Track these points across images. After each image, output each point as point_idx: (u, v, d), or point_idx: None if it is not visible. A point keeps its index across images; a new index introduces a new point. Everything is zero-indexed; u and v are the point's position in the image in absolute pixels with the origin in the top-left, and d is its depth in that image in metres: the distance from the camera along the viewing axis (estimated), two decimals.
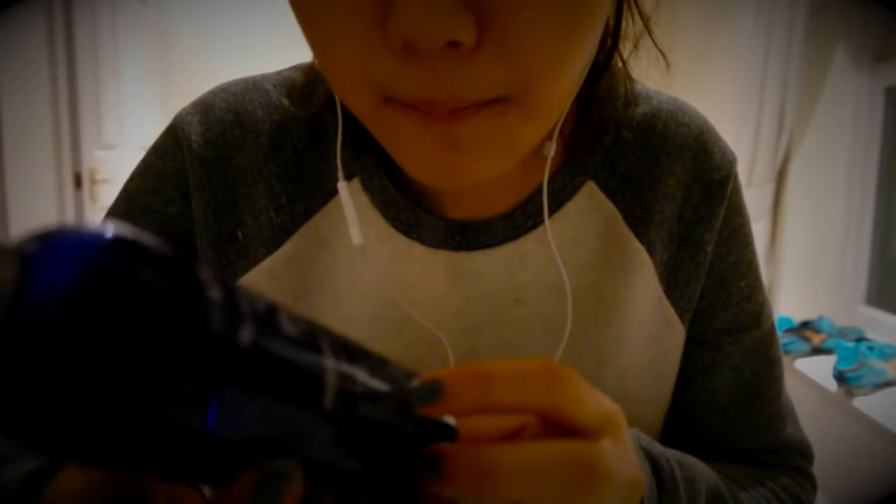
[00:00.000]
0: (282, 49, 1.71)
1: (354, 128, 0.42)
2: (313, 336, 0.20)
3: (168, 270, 0.16)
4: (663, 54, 0.43)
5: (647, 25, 0.40)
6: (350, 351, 0.22)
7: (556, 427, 0.25)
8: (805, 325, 1.99)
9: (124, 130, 2.68)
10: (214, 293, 0.17)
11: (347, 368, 0.21)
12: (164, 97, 3.08)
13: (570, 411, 0.24)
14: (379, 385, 0.22)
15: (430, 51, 0.26)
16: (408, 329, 0.43)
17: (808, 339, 1.95)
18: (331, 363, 0.20)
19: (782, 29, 2.11)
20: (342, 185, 0.41)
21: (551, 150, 0.40)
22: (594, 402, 0.26)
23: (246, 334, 0.17)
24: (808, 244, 2.22)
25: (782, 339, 1.96)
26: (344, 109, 0.41)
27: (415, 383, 0.23)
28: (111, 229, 0.15)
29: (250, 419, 0.17)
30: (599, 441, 0.25)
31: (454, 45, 0.26)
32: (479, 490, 0.22)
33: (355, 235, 0.41)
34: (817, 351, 1.94)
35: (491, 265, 0.43)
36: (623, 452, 0.26)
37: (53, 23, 2.15)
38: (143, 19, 2.85)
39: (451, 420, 0.26)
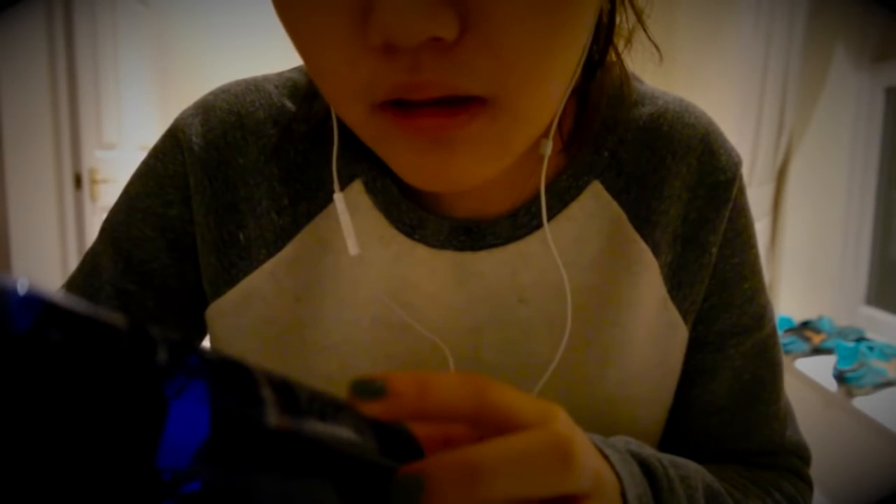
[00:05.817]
0: (282, 49, 1.71)
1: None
2: (245, 374, 0.19)
3: (80, 328, 0.15)
4: (657, 46, 0.43)
5: (640, 19, 0.40)
6: (283, 385, 0.21)
7: (493, 431, 0.24)
8: (805, 325, 1.99)
9: (124, 130, 2.68)
10: (131, 347, 0.16)
11: (285, 394, 0.20)
12: (164, 97, 3.08)
13: (507, 405, 0.24)
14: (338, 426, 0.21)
15: (411, 47, 0.26)
16: (411, 331, 0.42)
17: (808, 339, 1.95)
18: (266, 392, 0.19)
19: (782, 29, 2.11)
20: (338, 197, 0.41)
21: (548, 147, 0.40)
22: (528, 399, 0.25)
23: (173, 384, 0.17)
24: (808, 244, 2.22)
25: (782, 338, 1.96)
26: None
27: (358, 381, 0.23)
28: (23, 287, 0.15)
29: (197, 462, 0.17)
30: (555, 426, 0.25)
31: (436, 39, 0.26)
32: (472, 495, 0.21)
33: (352, 247, 0.41)
34: (817, 351, 1.95)
35: (495, 265, 0.42)
36: (581, 439, 0.26)
37: (53, 23, 2.15)
38: (143, 19, 2.85)
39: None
